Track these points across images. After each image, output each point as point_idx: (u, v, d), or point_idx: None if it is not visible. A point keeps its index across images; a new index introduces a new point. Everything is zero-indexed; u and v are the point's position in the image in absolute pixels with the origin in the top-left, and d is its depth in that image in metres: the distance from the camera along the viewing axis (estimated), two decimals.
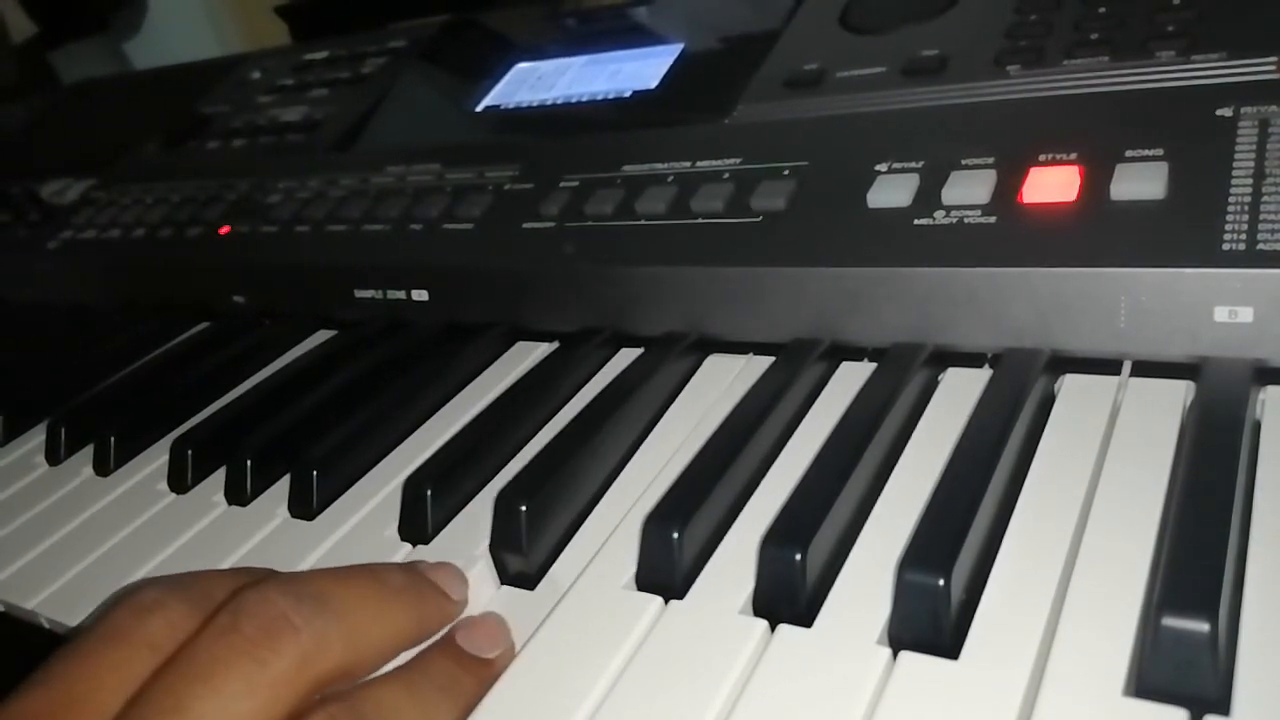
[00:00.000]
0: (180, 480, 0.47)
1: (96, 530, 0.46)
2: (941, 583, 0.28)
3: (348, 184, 0.63)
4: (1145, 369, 0.38)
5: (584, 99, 0.62)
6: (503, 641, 0.33)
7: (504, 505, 0.37)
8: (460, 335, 0.53)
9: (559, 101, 0.63)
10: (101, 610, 0.30)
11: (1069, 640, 0.28)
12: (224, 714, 0.26)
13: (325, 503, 0.43)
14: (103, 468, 0.51)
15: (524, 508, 0.37)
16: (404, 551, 0.39)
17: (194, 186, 0.73)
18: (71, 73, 1.30)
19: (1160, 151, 0.39)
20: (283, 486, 0.44)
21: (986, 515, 0.32)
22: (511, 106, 0.65)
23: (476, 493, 0.41)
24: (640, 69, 0.61)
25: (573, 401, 0.46)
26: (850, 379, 0.42)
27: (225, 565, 0.41)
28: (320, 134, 0.72)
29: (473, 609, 0.35)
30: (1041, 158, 0.41)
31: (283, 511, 0.43)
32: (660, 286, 0.47)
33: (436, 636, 0.33)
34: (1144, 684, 0.26)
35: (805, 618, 0.31)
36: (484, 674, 0.32)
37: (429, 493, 0.39)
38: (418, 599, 0.33)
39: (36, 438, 0.55)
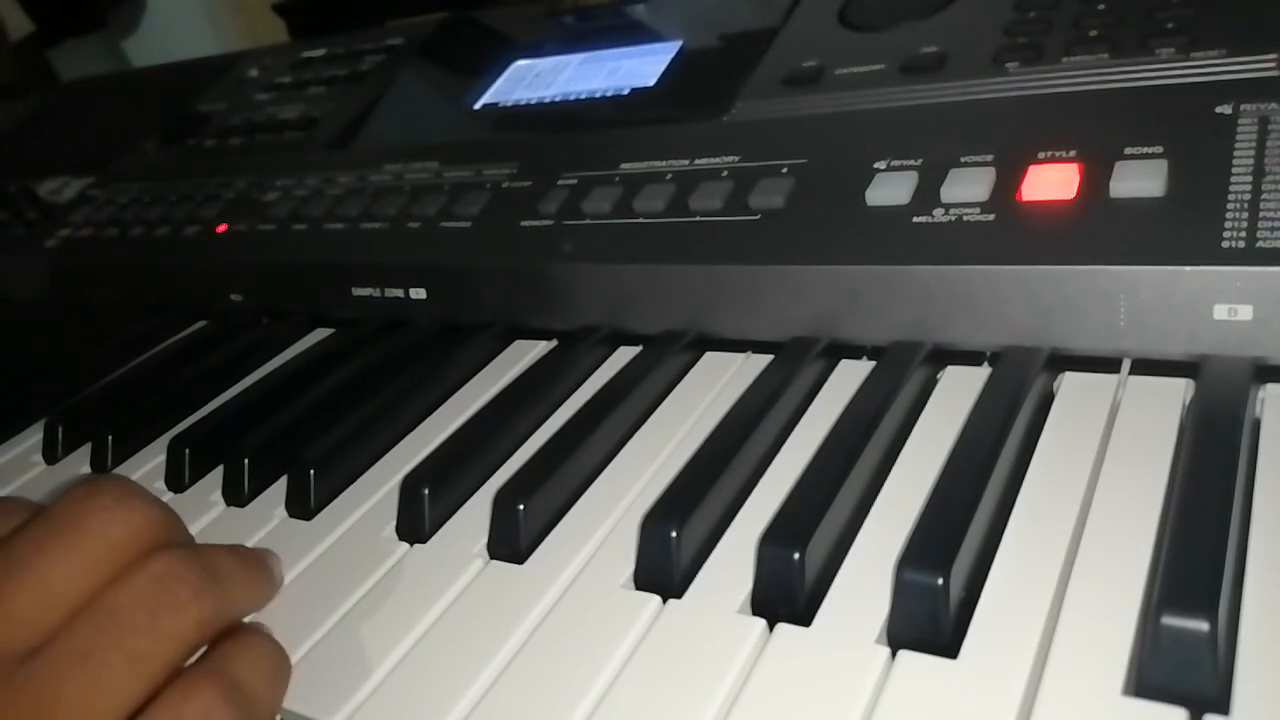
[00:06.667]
0: (178, 479, 0.47)
1: None
2: (940, 582, 0.28)
3: (345, 182, 0.63)
4: (1144, 367, 0.38)
5: (582, 96, 0.61)
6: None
7: (502, 505, 0.37)
8: (458, 334, 0.53)
9: (557, 99, 0.62)
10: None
11: (1068, 639, 0.28)
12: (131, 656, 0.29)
13: (323, 502, 0.43)
14: (100, 466, 0.51)
15: (521, 507, 0.37)
16: (401, 550, 0.39)
17: (191, 185, 0.72)
18: (69, 70, 1.29)
19: (1160, 149, 0.39)
20: (281, 486, 0.44)
21: (985, 514, 0.32)
22: (509, 104, 0.64)
23: (474, 492, 0.41)
24: (638, 66, 0.61)
25: (570, 400, 0.46)
26: (849, 377, 0.42)
27: None
28: (318, 132, 0.72)
29: (469, 608, 0.35)
30: (1041, 155, 0.41)
31: (280, 512, 0.43)
32: (658, 285, 0.47)
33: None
34: (1143, 683, 0.26)
35: (804, 617, 0.31)
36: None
37: (426, 492, 0.39)
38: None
39: (34, 436, 0.55)
